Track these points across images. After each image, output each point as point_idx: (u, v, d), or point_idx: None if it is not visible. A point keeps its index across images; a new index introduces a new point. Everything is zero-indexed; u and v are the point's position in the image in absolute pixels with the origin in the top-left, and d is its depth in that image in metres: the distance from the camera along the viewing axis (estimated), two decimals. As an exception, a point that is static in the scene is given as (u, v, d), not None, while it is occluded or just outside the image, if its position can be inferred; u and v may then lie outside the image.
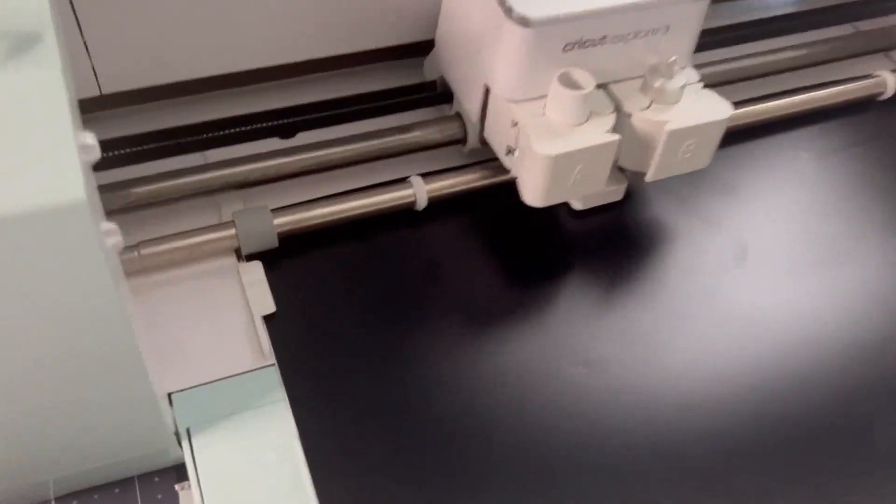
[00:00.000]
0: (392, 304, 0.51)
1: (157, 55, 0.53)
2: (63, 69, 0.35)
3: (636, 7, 0.47)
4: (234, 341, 0.48)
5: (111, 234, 0.36)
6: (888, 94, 0.66)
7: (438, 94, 0.59)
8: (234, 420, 0.45)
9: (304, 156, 0.53)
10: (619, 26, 0.48)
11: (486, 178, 0.56)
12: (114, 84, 0.53)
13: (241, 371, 0.47)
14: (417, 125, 0.56)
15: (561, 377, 0.49)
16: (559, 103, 0.47)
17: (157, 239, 0.49)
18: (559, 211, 0.57)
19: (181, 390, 0.46)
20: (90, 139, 0.35)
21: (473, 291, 0.52)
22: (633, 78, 0.51)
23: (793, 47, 0.67)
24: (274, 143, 0.55)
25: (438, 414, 0.46)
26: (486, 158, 0.56)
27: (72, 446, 0.42)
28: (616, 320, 0.52)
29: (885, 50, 0.72)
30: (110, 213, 0.50)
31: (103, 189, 0.50)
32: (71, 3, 0.48)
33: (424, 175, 0.55)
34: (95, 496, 0.47)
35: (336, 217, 0.52)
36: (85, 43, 0.50)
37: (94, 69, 0.51)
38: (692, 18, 0.50)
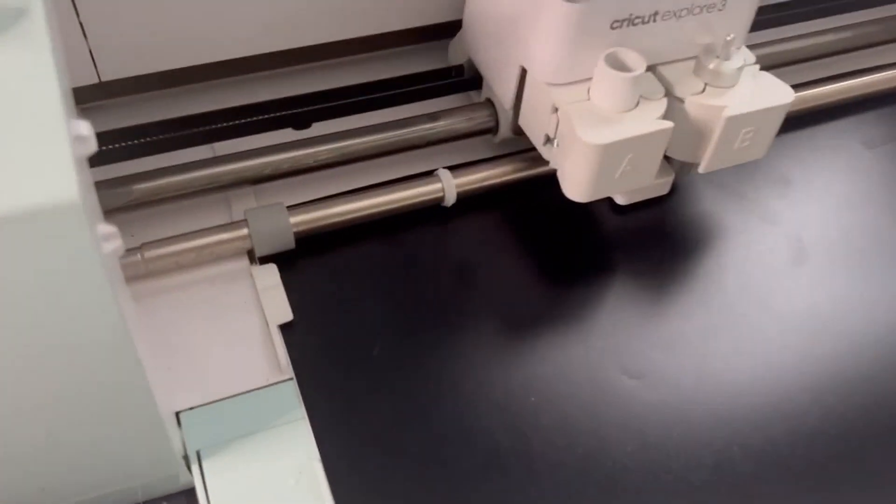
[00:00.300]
0: (420, 309, 0.46)
1: (161, 39, 0.48)
2: (53, 49, 0.30)
3: None
4: (247, 353, 0.44)
5: (110, 239, 0.32)
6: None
7: (466, 79, 0.54)
8: (248, 441, 0.41)
9: (320, 148, 0.49)
10: (672, 1, 0.43)
11: (520, 170, 0.51)
12: (114, 71, 0.48)
13: (255, 387, 0.42)
14: (443, 113, 0.52)
15: (608, 389, 0.44)
16: (606, 87, 0.42)
17: (161, 240, 0.45)
18: (601, 206, 0.52)
19: (190, 409, 0.41)
20: (85, 129, 0.31)
21: (508, 295, 0.48)
22: (684, 59, 0.46)
23: (843, 28, 0.63)
24: (288, 135, 0.51)
25: (473, 432, 0.42)
26: (520, 149, 0.52)
27: (72, 472, 0.38)
28: (665, 326, 0.47)
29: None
30: (110, 213, 0.46)
31: (102, 185, 0.45)
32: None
33: (452, 168, 0.50)
34: (97, 524, 0.43)
35: (357, 215, 0.48)
36: (81, 24, 0.45)
37: (91, 54, 0.47)
38: None
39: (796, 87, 0.58)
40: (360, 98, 0.52)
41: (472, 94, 0.55)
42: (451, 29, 0.54)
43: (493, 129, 0.52)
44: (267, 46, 0.51)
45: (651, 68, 0.45)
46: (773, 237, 0.52)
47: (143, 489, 0.43)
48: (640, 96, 0.44)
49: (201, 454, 0.40)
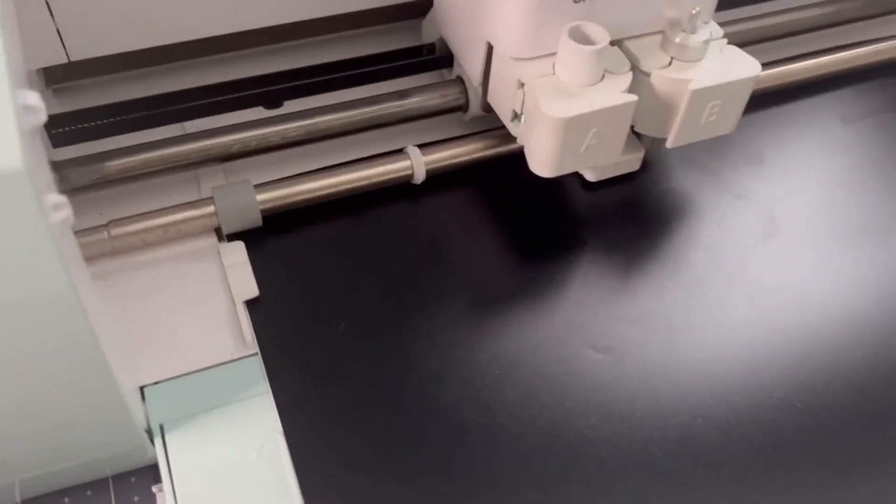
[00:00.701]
0: (388, 287, 0.46)
1: (130, 18, 0.48)
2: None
3: None
4: (213, 329, 0.44)
5: (60, 208, 0.32)
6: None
7: (438, 57, 0.54)
8: (212, 415, 0.41)
9: (289, 125, 0.49)
10: None
11: (489, 147, 0.51)
12: (83, 51, 0.48)
13: (220, 361, 0.43)
14: (414, 91, 0.51)
15: (574, 363, 0.44)
16: (570, 61, 0.42)
17: (128, 218, 0.45)
18: (571, 183, 0.52)
19: (154, 383, 0.42)
20: (33, 99, 0.31)
21: (477, 272, 0.48)
22: (651, 34, 0.46)
23: (820, 4, 0.62)
24: (260, 113, 0.51)
25: (439, 407, 0.42)
26: (490, 127, 0.52)
27: (34, 445, 0.38)
28: (634, 301, 0.47)
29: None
30: (80, 190, 0.46)
31: (72, 163, 0.46)
32: None
33: (422, 146, 0.50)
34: (66, 499, 0.44)
35: (325, 192, 0.48)
36: (48, 4, 0.45)
37: (59, 34, 0.47)
38: None
39: (773, 63, 0.58)
40: (333, 76, 0.52)
41: (445, 72, 0.55)
42: (423, 7, 0.54)
43: (464, 107, 0.52)
44: (237, 25, 0.51)
45: (617, 42, 0.45)
46: (745, 214, 0.52)
47: (111, 463, 0.43)
48: (606, 70, 0.44)
49: (164, 428, 0.41)
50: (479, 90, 0.49)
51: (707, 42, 0.45)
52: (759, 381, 0.44)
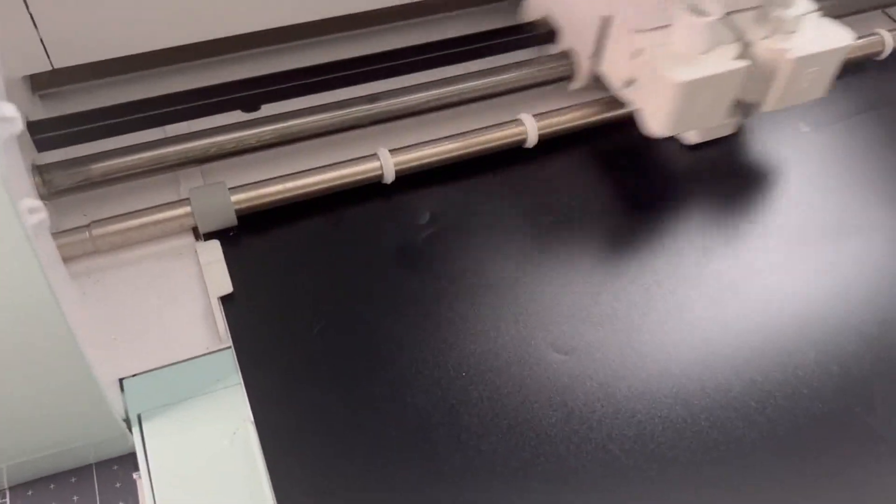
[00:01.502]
0: (359, 286, 0.48)
1: (112, 26, 0.50)
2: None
3: None
4: (190, 324, 0.46)
5: (35, 212, 0.34)
6: (886, 53, 0.63)
7: (538, 34, 0.59)
8: (186, 405, 0.43)
9: (265, 128, 0.51)
10: None
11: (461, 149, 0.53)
12: (65, 58, 0.51)
13: (196, 354, 0.45)
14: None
15: (536, 364, 0.46)
16: (686, 31, 0.47)
17: (109, 218, 0.47)
18: (539, 186, 0.54)
19: (132, 375, 0.44)
20: (10, 110, 0.33)
21: (445, 274, 0.50)
22: (751, 8, 0.50)
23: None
24: (238, 117, 0.53)
25: (405, 403, 0.44)
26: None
27: (18, 434, 0.41)
28: (596, 304, 0.49)
29: (882, 7, 0.68)
30: (64, 193, 0.48)
31: (56, 167, 0.48)
32: None
33: (392, 150, 0.52)
34: (51, 485, 0.46)
35: (297, 193, 0.50)
36: (31, 15, 0.47)
37: (42, 42, 0.49)
38: None
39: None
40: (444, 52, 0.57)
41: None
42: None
43: (569, 77, 0.57)
44: (225, 31, 0.53)
45: (725, 16, 0.49)
46: (706, 215, 0.53)
47: (94, 451, 0.45)
48: (715, 41, 0.48)
49: (142, 417, 0.43)
50: (590, 62, 0.54)
51: (802, 15, 0.49)
52: (715, 381, 0.46)
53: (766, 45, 0.49)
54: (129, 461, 0.47)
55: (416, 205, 0.53)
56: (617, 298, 0.49)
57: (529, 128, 0.54)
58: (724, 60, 0.48)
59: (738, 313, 0.49)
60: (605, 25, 0.51)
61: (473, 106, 0.57)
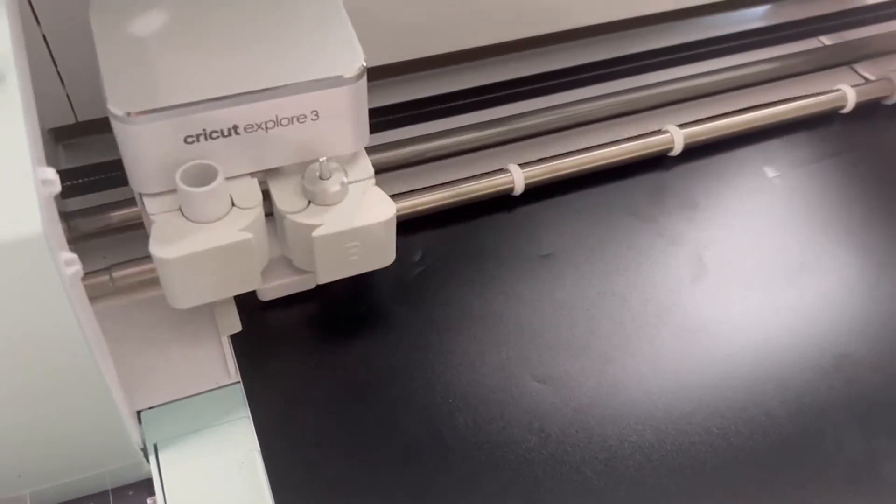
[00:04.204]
0: (356, 322, 0.53)
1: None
2: (25, 108, 0.37)
3: (259, 96, 0.42)
4: (202, 360, 0.50)
5: (71, 264, 0.38)
6: (849, 107, 0.68)
7: None
8: (199, 436, 0.47)
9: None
10: (248, 115, 0.43)
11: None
12: (89, 112, 0.55)
13: (207, 389, 0.49)
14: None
15: (517, 392, 0.50)
16: (184, 199, 0.43)
17: (128, 262, 0.51)
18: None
19: (149, 408, 0.48)
20: (51, 174, 0.37)
21: (433, 308, 0.54)
22: (301, 168, 0.47)
23: (759, 62, 0.69)
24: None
25: (396, 429, 0.48)
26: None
27: (44, 461, 0.45)
28: (573, 336, 0.53)
29: (850, 63, 0.73)
30: (87, 238, 0.52)
31: (79, 214, 0.52)
32: (44, 37, 0.50)
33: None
34: (71, 509, 0.50)
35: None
36: (59, 74, 0.52)
37: (69, 98, 0.53)
38: (345, 104, 0.44)
39: (716, 118, 0.65)
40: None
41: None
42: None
43: None
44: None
45: (264, 178, 0.47)
46: (677, 257, 0.58)
47: (111, 477, 0.49)
48: (234, 205, 0.45)
49: (158, 447, 0.47)
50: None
51: (344, 186, 0.46)
52: (681, 409, 0.50)
53: (296, 220, 0.45)
54: (143, 487, 0.50)
55: (412, 245, 0.57)
56: (592, 332, 0.53)
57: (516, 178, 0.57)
58: (230, 231, 0.43)
59: (703, 347, 0.53)
60: None
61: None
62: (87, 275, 0.51)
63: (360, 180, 0.47)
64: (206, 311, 0.52)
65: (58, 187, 0.38)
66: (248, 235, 0.44)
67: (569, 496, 0.46)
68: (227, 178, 0.44)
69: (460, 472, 0.47)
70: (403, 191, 0.58)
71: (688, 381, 0.52)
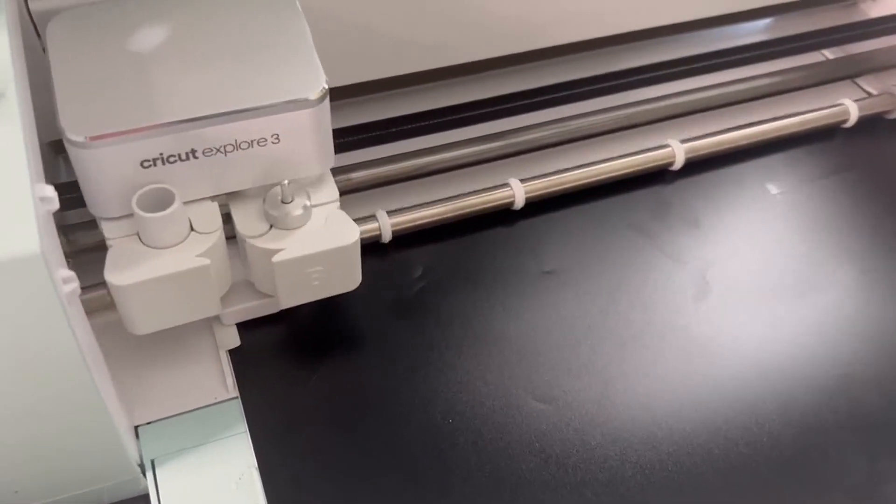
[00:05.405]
0: (356, 339, 0.52)
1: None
2: (24, 123, 0.37)
3: (217, 120, 0.41)
4: (200, 375, 0.50)
5: (68, 282, 0.38)
6: (851, 122, 0.67)
7: None
8: (196, 451, 0.47)
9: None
10: (206, 139, 0.42)
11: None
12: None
13: (205, 404, 0.49)
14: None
15: (517, 412, 0.50)
16: (139, 225, 0.43)
17: (127, 276, 0.51)
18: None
19: (147, 423, 0.48)
20: (49, 191, 0.37)
21: (434, 327, 0.54)
22: (270, 185, 0.46)
23: (761, 76, 0.69)
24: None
25: (397, 448, 0.48)
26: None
27: (41, 477, 0.44)
28: (574, 356, 0.53)
29: (852, 77, 0.73)
30: (84, 251, 0.52)
31: (78, 228, 0.52)
32: (44, 49, 0.49)
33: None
34: (67, 524, 0.49)
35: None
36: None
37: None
38: (306, 127, 0.43)
39: (712, 133, 0.65)
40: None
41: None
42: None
43: None
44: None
45: (234, 196, 0.46)
46: (679, 275, 0.58)
47: (108, 493, 0.49)
48: (192, 230, 0.44)
49: (155, 462, 0.46)
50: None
51: (306, 210, 0.45)
52: (683, 429, 0.50)
53: (256, 244, 0.45)
54: (140, 502, 0.50)
55: (411, 261, 0.57)
56: (594, 351, 0.53)
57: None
58: (187, 257, 0.42)
59: (705, 366, 0.53)
60: None
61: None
62: (86, 288, 0.50)
63: (323, 203, 0.47)
64: (205, 326, 0.52)
65: (56, 204, 0.38)
66: (206, 261, 0.43)
67: (570, 517, 0.46)
68: (187, 202, 0.43)
69: (460, 493, 0.46)
70: (403, 206, 0.58)
71: (690, 401, 0.51)
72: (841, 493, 0.48)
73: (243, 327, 0.51)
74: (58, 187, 0.52)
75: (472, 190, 0.59)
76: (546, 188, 0.60)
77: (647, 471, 0.48)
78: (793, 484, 0.48)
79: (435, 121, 0.62)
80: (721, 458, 0.49)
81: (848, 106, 0.67)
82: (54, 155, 0.57)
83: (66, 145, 0.41)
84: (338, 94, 0.62)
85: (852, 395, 0.52)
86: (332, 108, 0.45)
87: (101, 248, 0.52)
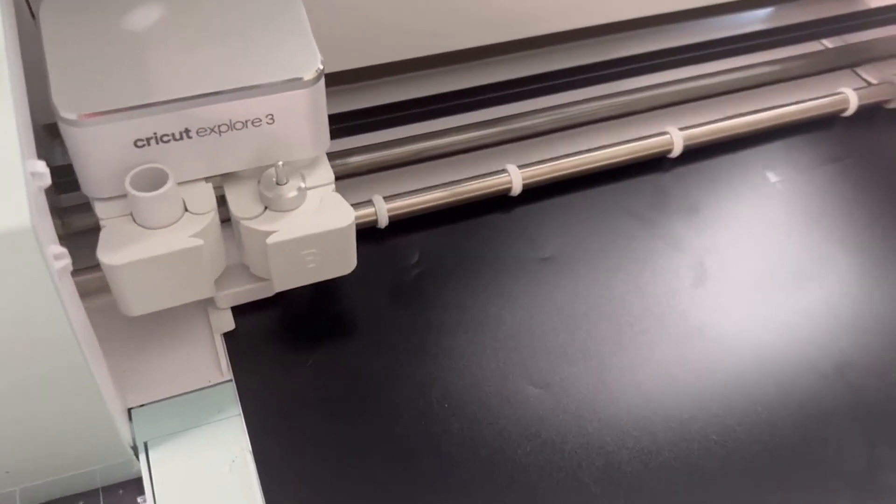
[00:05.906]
0: (352, 324, 0.52)
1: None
2: (15, 100, 0.36)
3: (211, 99, 0.41)
4: (195, 358, 0.50)
5: (60, 258, 0.38)
6: (851, 110, 0.67)
7: None
8: (190, 434, 0.47)
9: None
10: (200, 119, 0.42)
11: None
12: (85, 107, 0.54)
13: (199, 387, 0.48)
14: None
15: (513, 397, 0.49)
16: (133, 205, 0.42)
17: (121, 258, 0.51)
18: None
19: (140, 406, 0.47)
20: (41, 167, 0.37)
21: (432, 312, 0.53)
22: (258, 173, 0.46)
23: (761, 64, 0.68)
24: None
25: (391, 432, 0.48)
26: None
27: (32, 458, 0.44)
28: (570, 341, 0.52)
29: (852, 66, 0.73)
30: (81, 234, 0.52)
31: (75, 209, 0.52)
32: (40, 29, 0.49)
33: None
34: (60, 507, 0.49)
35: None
36: (55, 69, 0.51)
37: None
38: (301, 108, 0.43)
39: (711, 121, 0.64)
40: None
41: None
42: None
43: None
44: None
45: (229, 177, 0.46)
46: (677, 262, 0.57)
47: (101, 476, 0.48)
48: (186, 210, 0.43)
49: (148, 445, 0.46)
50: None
51: (300, 192, 0.45)
52: (680, 415, 0.50)
53: (250, 226, 0.44)
54: (133, 486, 0.50)
55: (408, 246, 0.57)
56: (590, 336, 0.53)
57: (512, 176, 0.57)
58: (180, 237, 0.42)
59: (703, 352, 0.53)
60: None
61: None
62: (80, 271, 0.50)
63: (318, 186, 0.46)
64: (200, 309, 0.51)
65: (48, 180, 0.38)
66: (199, 242, 0.42)
67: (566, 503, 0.46)
68: (181, 183, 0.43)
69: (456, 477, 0.46)
70: (400, 191, 0.57)
71: (687, 388, 0.51)
72: (839, 479, 0.47)
73: (238, 311, 0.51)
74: (53, 171, 0.52)
75: (469, 176, 0.59)
76: (544, 174, 0.60)
77: (644, 456, 0.48)
78: (791, 470, 0.48)
79: (433, 107, 0.61)
80: (718, 444, 0.48)
81: (847, 95, 0.67)
82: (50, 139, 0.56)
83: (59, 124, 0.41)
84: (335, 80, 0.62)
85: (851, 382, 0.52)
86: (330, 94, 0.45)
87: (95, 230, 0.52)
